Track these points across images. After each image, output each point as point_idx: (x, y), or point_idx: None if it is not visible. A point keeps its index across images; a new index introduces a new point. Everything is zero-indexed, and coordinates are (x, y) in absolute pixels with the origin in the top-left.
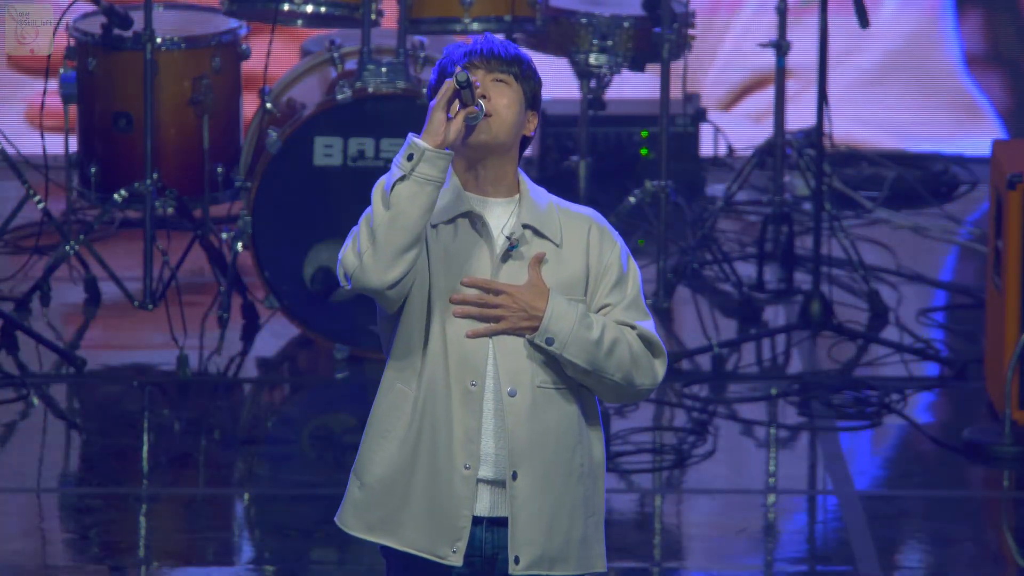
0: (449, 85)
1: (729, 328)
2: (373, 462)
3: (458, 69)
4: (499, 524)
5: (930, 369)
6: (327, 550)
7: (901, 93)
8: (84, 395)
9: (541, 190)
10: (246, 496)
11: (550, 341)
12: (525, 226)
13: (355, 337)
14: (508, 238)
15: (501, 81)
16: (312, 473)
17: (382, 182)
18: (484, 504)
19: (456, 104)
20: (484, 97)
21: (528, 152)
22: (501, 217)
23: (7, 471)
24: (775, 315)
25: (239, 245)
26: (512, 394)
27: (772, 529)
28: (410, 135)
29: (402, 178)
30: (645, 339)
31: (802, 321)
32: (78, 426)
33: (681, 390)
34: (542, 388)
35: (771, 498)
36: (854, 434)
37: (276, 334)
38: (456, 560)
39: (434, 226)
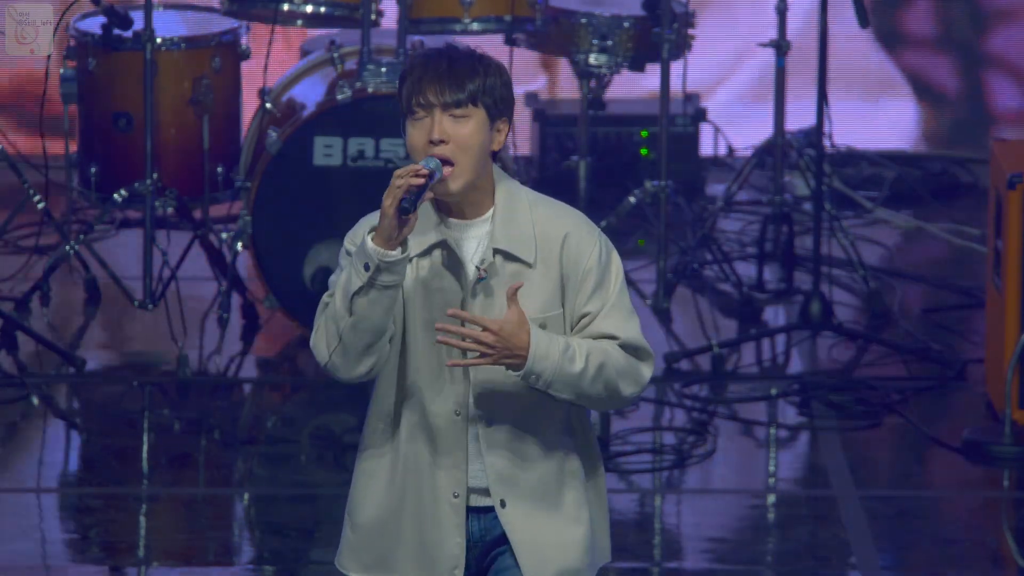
0: (399, 188)
1: (729, 328)
2: (363, 503)
3: (413, 178)
4: (484, 512)
5: (930, 369)
6: (327, 550)
7: None
8: (84, 395)
9: (518, 194)
10: (246, 496)
11: (535, 379)
12: (496, 251)
13: None
14: (478, 268)
15: (459, 117)
16: (312, 473)
17: (343, 279)
18: (472, 502)
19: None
20: (444, 163)
21: (528, 152)
22: (475, 239)
23: (7, 471)
24: (775, 315)
25: (239, 245)
26: (489, 423)
27: (772, 529)
28: (366, 239)
29: (360, 288)
30: (630, 347)
31: (802, 321)
32: (78, 426)
33: (681, 390)
34: (522, 412)
35: (771, 498)
36: (854, 434)
37: (276, 334)
38: None
39: (410, 260)
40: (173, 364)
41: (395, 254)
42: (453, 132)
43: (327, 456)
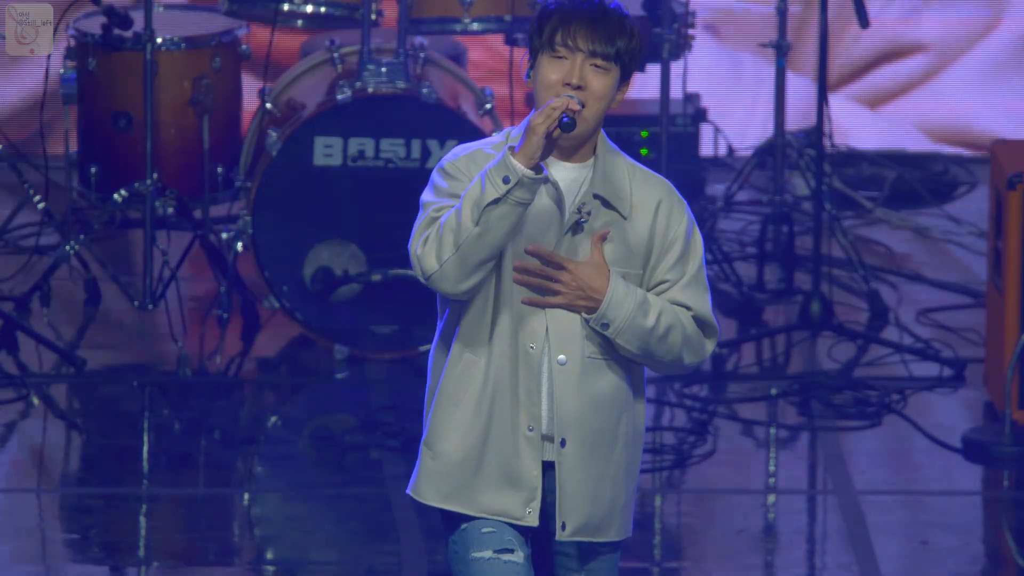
0: (556, 108)
1: (729, 328)
2: (447, 431)
3: (569, 103)
4: (548, 468)
5: (930, 369)
6: (327, 550)
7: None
8: (84, 395)
9: (616, 153)
10: (246, 496)
11: (605, 326)
12: (596, 196)
13: (355, 337)
14: (579, 210)
15: (599, 68)
16: (312, 473)
17: (474, 191)
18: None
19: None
20: (581, 104)
21: None
22: (575, 183)
23: (7, 471)
24: (775, 315)
25: (239, 245)
26: (562, 363)
27: (772, 529)
28: (505, 151)
29: (496, 200)
30: (700, 320)
31: (802, 321)
32: (78, 426)
33: (681, 390)
34: (591, 358)
35: (771, 498)
36: (854, 434)
37: (276, 334)
38: (532, 520)
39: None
40: (173, 364)
41: (535, 173)
42: (590, 81)
43: (327, 456)
